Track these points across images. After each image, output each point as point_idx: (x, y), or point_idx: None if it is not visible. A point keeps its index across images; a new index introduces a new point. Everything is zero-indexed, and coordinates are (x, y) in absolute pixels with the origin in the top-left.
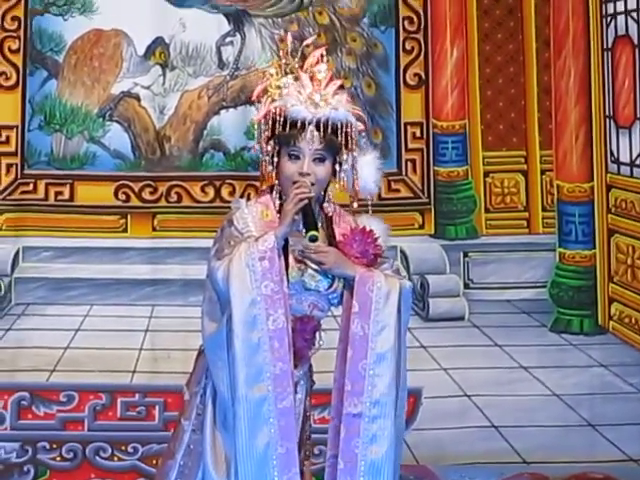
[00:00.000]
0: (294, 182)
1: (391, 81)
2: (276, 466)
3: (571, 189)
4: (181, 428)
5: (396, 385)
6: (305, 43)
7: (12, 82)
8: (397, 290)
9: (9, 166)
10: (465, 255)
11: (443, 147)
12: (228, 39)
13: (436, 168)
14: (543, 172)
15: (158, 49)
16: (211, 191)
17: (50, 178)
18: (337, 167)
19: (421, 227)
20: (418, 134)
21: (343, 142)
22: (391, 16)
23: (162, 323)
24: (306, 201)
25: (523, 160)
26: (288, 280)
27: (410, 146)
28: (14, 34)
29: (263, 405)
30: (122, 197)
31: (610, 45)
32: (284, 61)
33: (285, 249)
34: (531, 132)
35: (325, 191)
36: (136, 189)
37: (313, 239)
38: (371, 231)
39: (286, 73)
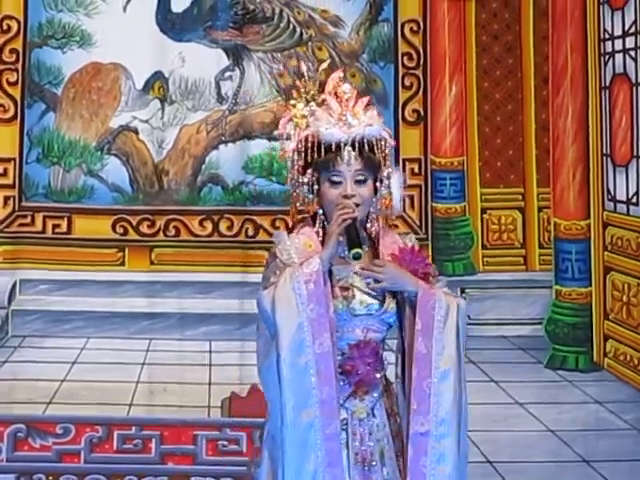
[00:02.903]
0: (337, 205)
1: (390, 117)
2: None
3: (568, 226)
4: None
5: (459, 403)
6: (321, 68)
7: (10, 114)
8: (455, 308)
9: (7, 198)
10: (462, 291)
11: (441, 183)
12: (227, 74)
13: (434, 204)
14: (540, 209)
15: (157, 83)
16: (209, 225)
17: (48, 211)
18: (378, 185)
19: None
20: (416, 170)
21: (381, 158)
22: (390, 52)
23: (159, 356)
24: (350, 221)
25: (520, 197)
26: (335, 310)
27: (408, 182)
28: (12, 66)
29: (311, 431)
30: (120, 230)
31: (608, 83)
32: (304, 89)
33: (330, 277)
34: (529, 169)
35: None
36: (134, 222)
37: (357, 257)
38: (420, 250)
39: (307, 101)
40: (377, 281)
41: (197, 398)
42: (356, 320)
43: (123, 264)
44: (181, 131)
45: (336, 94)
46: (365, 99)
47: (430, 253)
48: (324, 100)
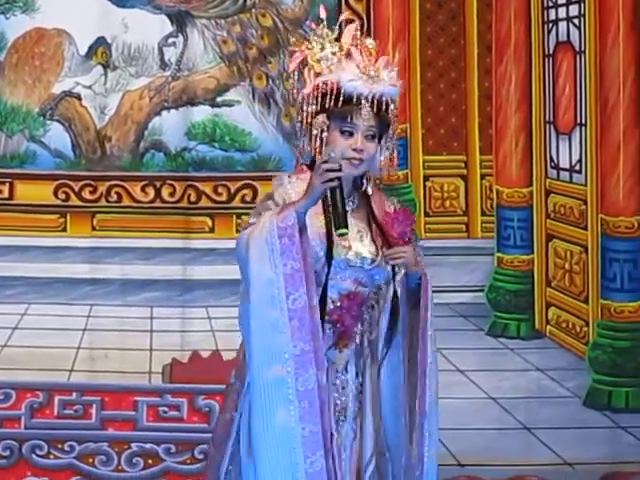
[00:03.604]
0: (346, 158)
1: None
2: (297, 448)
3: (510, 194)
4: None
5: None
6: (342, 18)
7: None
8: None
9: None
10: None
11: None
12: (170, 40)
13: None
14: (483, 177)
15: (100, 49)
16: (151, 191)
17: None
18: (382, 143)
19: None
20: None
21: (392, 119)
22: (334, 19)
23: (100, 322)
24: (336, 182)
25: (463, 165)
26: (332, 257)
27: None
28: None
29: (281, 386)
30: (62, 196)
31: (551, 51)
32: (321, 33)
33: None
34: (471, 137)
35: None
36: (76, 188)
37: (342, 235)
38: (412, 213)
39: (322, 46)
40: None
41: (138, 364)
42: (350, 271)
43: (65, 230)
44: (124, 97)
45: (357, 46)
46: (385, 57)
47: None
48: (348, 50)
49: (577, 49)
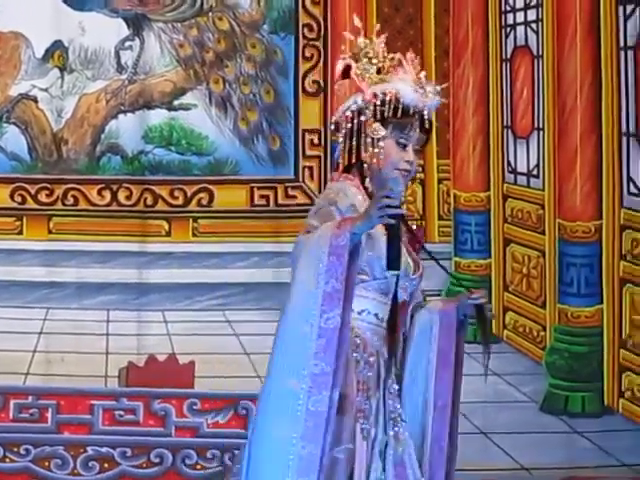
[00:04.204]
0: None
1: (290, 88)
2: (292, 466)
3: (468, 198)
4: None
5: None
6: (377, 28)
7: None
8: None
9: None
10: None
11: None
12: (127, 43)
13: (334, 175)
14: (440, 181)
15: (57, 52)
16: (108, 195)
17: None
18: None
19: None
20: (316, 141)
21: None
22: (291, 23)
23: (56, 325)
24: (393, 221)
25: (420, 169)
26: (399, 267)
27: (308, 153)
28: None
29: (293, 400)
30: (18, 199)
31: (509, 55)
32: (365, 45)
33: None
34: (429, 141)
35: None
36: (32, 191)
37: (393, 274)
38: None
39: (356, 60)
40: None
41: (94, 367)
42: (403, 279)
43: (21, 233)
44: (80, 100)
45: (405, 58)
46: (424, 72)
47: None
48: (399, 60)
49: (535, 53)
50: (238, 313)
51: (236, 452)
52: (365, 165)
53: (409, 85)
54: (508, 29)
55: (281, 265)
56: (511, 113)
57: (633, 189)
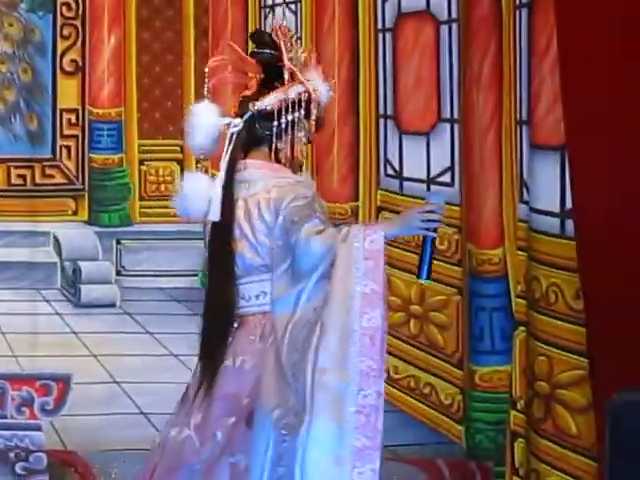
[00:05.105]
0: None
1: (48, 67)
2: (348, 456)
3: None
4: None
5: None
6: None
7: None
8: None
9: None
10: (118, 242)
11: (99, 134)
12: None
13: (91, 155)
14: (198, 161)
15: None
16: None
17: None
18: None
19: (75, 213)
20: (74, 120)
21: None
22: (49, 2)
23: None
24: (435, 234)
25: (179, 149)
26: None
27: (65, 132)
28: None
29: (343, 393)
30: None
31: None
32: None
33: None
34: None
35: None
36: None
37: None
38: None
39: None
40: None
41: None
42: None
43: None
44: None
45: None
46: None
47: (87, 204)
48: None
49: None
50: None
51: None
52: (284, 154)
53: (322, 84)
54: (267, 10)
55: (36, 244)
56: None
57: (390, 171)
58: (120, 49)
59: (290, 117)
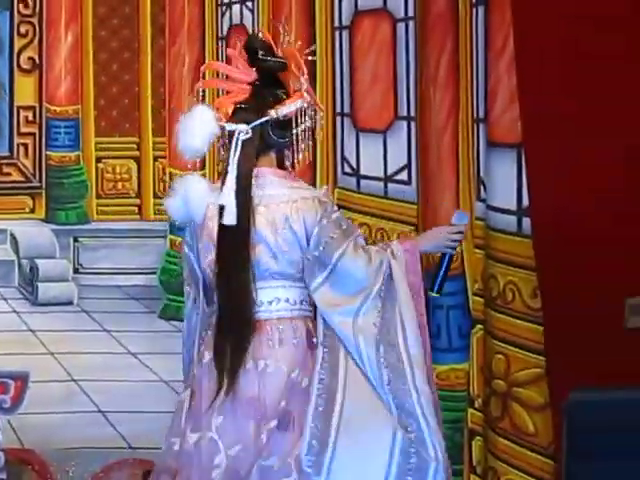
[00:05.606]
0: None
1: (5, 64)
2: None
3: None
4: None
5: None
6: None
7: None
8: None
9: None
10: (75, 240)
11: (56, 132)
12: None
13: (48, 153)
14: (156, 159)
15: None
16: None
17: None
18: None
19: (32, 211)
20: (31, 118)
21: None
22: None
23: None
24: (454, 252)
25: (136, 147)
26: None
27: (22, 130)
28: None
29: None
30: None
31: (225, 34)
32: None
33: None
34: (144, 119)
35: None
36: None
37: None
38: None
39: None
40: None
41: None
42: None
43: None
44: None
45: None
46: None
47: (44, 202)
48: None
49: (249, 31)
50: None
51: None
52: (291, 163)
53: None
54: (224, 7)
55: None
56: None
57: (347, 169)
58: (77, 47)
59: (305, 125)
